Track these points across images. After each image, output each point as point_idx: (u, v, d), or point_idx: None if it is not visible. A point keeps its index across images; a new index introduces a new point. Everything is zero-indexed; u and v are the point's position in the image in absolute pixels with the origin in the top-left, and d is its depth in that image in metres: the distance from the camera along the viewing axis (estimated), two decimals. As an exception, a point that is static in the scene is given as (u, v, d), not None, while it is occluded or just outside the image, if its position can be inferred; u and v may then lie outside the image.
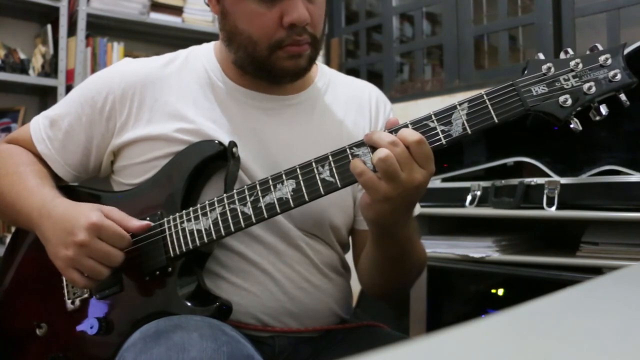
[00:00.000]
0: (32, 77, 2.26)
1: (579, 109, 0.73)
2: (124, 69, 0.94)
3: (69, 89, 2.26)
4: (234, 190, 0.80)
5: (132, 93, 0.90)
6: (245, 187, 0.80)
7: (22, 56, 2.30)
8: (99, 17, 2.39)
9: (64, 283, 0.89)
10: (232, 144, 0.85)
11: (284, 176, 0.78)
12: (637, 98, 0.74)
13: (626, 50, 0.74)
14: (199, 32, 2.60)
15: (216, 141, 0.86)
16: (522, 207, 1.29)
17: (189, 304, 0.79)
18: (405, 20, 2.48)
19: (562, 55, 0.75)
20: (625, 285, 0.50)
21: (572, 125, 0.74)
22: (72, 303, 0.87)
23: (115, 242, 0.79)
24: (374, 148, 0.73)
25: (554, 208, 1.22)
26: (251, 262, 0.86)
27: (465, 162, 1.58)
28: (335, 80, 1.02)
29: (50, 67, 2.29)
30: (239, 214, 0.79)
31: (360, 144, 0.75)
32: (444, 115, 0.74)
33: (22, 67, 2.26)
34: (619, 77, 0.71)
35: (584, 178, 1.24)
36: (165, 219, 0.83)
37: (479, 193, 1.44)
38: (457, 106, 0.74)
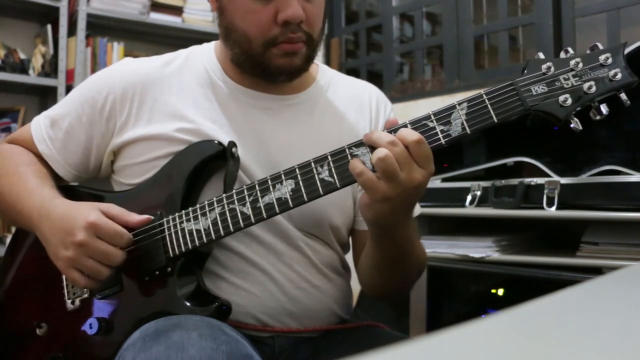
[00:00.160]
0: (32, 77, 2.26)
1: (579, 108, 0.72)
2: (124, 69, 0.94)
3: (69, 89, 2.26)
4: (233, 191, 0.80)
5: (132, 93, 0.90)
6: (245, 187, 0.80)
7: (22, 56, 2.30)
8: (99, 17, 2.39)
9: (64, 283, 0.89)
10: (232, 144, 0.85)
11: (283, 176, 0.78)
12: (638, 97, 0.74)
13: (627, 50, 0.74)
14: (199, 32, 2.60)
15: (216, 141, 0.86)
16: (522, 207, 1.29)
17: (188, 304, 0.79)
18: (405, 20, 2.48)
19: (562, 55, 0.74)
20: (625, 285, 0.50)
21: (572, 125, 0.73)
22: (72, 303, 0.87)
23: (114, 240, 0.79)
24: (373, 148, 0.73)
25: (554, 208, 1.22)
26: (251, 262, 0.86)
27: (465, 162, 1.58)
28: (336, 80, 1.02)
29: (50, 67, 2.29)
30: (238, 214, 0.79)
31: (359, 144, 0.75)
32: (443, 115, 0.74)
33: (22, 67, 2.26)
34: (619, 76, 0.71)
35: (584, 178, 1.24)
36: (165, 219, 0.83)
37: (479, 193, 1.44)
38: (457, 106, 0.74)
